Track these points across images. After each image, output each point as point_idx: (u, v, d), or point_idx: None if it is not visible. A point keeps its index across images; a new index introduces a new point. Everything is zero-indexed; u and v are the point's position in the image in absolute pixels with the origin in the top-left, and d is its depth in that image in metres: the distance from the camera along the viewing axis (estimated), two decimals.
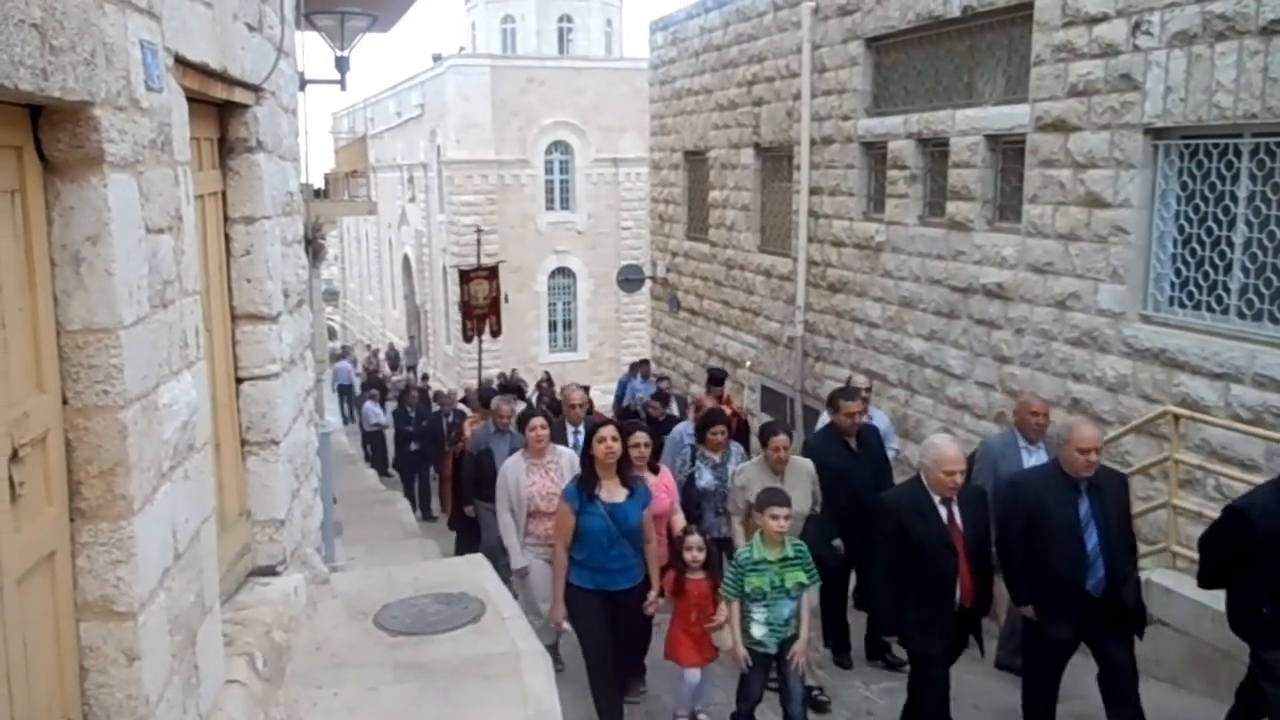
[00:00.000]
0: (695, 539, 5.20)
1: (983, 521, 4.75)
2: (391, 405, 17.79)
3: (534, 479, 5.81)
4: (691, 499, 6.38)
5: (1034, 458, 5.71)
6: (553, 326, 31.81)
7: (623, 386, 15.15)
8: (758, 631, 4.82)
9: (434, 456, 13.25)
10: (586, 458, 5.10)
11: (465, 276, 20.26)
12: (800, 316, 11.68)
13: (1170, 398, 6.77)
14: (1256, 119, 6.21)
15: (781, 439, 5.80)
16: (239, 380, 4.08)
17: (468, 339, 20.28)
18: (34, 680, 2.22)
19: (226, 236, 3.98)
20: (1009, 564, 4.74)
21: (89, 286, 2.34)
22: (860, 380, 7.35)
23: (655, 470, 5.87)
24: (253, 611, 3.84)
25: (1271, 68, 6.05)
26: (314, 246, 9.57)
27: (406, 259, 36.06)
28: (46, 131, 2.27)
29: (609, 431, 5.06)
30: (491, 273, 20.39)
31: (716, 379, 10.33)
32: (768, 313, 12.65)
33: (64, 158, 2.30)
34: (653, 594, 5.23)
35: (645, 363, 15.65)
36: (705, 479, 6.48)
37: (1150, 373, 7.03)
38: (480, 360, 19.66)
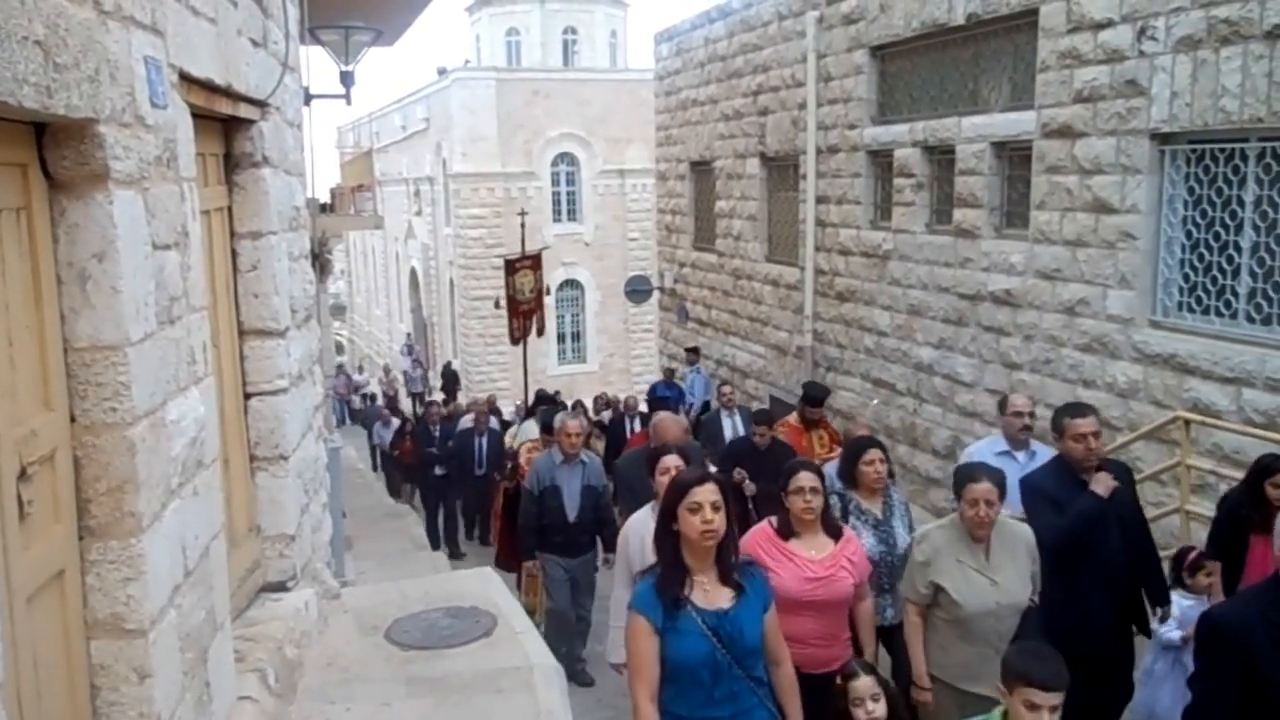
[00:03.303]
0: (865, 683, 3.35)
1: None
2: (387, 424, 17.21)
3: None
4: None
5: None
6: (561, 338, 31.81)
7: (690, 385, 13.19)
8: None
9: (461, 483, 11.57)
10: (667, 538, 3.17)
11: (511, 267, 16.87)
12: (809, 326, 11.67)
13: (1181, 403, 6.74)
14: (1262, 123, 6.20)
15: (985, 488, 3.89)
16: (247, 396, 4.08)
17: (515, 341, 16.89)
18: (45, 699, 2.21)
19: (233, 252, 3.99)
20: None
21: (95, 304, 2.34)
22: (1021, 402, 5.72)
23: (836, 531, 4.09)
24: (264, 627, 3.83)
25: (1276, 72, 6.03)
26: (321, 261, 9.58)
27: (413, 273, 36.14)
28: (51, 149, 2.27)
29: (705, 494, 3.07)
30: (535, 261, 17.30)
31: (814, 398, 7.81)
32: (776, 322, 12.63)
33: (69, 175, 2.29)
34: None
35: (695, 350, 14.01)
36: (865, 544, 4.54)
37: (1161, 378, 7.00)
38: (526, 368, 16.34)
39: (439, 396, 22.84)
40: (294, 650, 3.93)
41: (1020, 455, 5.38)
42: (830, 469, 5.27)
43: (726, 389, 9.90)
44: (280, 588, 4.18)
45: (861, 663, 3.56)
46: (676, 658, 3.06)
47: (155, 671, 2.44)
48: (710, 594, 3.12)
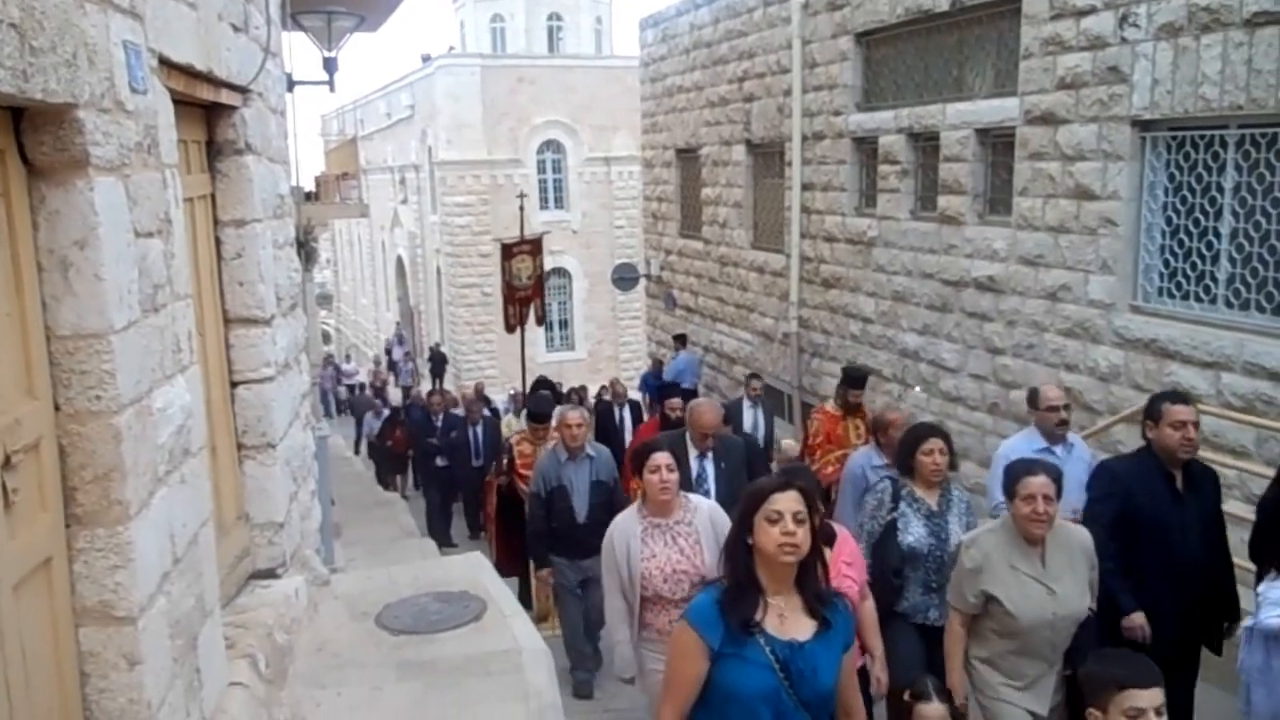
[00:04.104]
0: (937, 710, 3.10)
1: None
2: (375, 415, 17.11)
3: (654, 548, 3.91)
4: (886, 564, 4.23)
5: None
6: (549, 326, 31.74)
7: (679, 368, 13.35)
8: None
9: (462, 475, 11.21)
10: (740, 552, 2.72)
11: (508, 251, 16.41)
12: (794, 313, 11.70)
13: (1161, 387, 6.79)
14: (1242, 110, 6.24)
15: (1043, 482, 3.57)
16: (234, 384, 4.08)
17: (510, 329, 16.45)
18: (34, 687, 2.22)
19: (217, 240, 3.98)
20: None
21: (78, 291, 2.33)
22: (1055, 394, 5.29)
23: (829, 536, 3.76)
24: (254, 614, 3.84)
25: (1256, 59, 6.07)
26: (306, 250, 9.55)
27: (400, 261, 36.02)
28: (29, 134, 2.25)
29: (787, 502, 2.63)
30: (535, 246, 16.70)
31: (855, 380, 7.37)
32: (762, 309, 12.66)
33: (48, 161, 2.28)
34: None
35: (683, 337, 14.02)
36: (914, 534, 4.25)
37: (1142, 362, 7.06)
38: (523, 356, 16.00)
39: (426, 386, 22.78)
40: (284, 636, 3.95)
41: (1059, 449, 5.06)
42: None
43: (756, 383, 9.41)
44: (270, 574, 4.19)
45: (935, 684, 3.25)
46: (732, 687, 2.60)
47: (145, 658, 2.45)
48: (786, 622, 2.65)
